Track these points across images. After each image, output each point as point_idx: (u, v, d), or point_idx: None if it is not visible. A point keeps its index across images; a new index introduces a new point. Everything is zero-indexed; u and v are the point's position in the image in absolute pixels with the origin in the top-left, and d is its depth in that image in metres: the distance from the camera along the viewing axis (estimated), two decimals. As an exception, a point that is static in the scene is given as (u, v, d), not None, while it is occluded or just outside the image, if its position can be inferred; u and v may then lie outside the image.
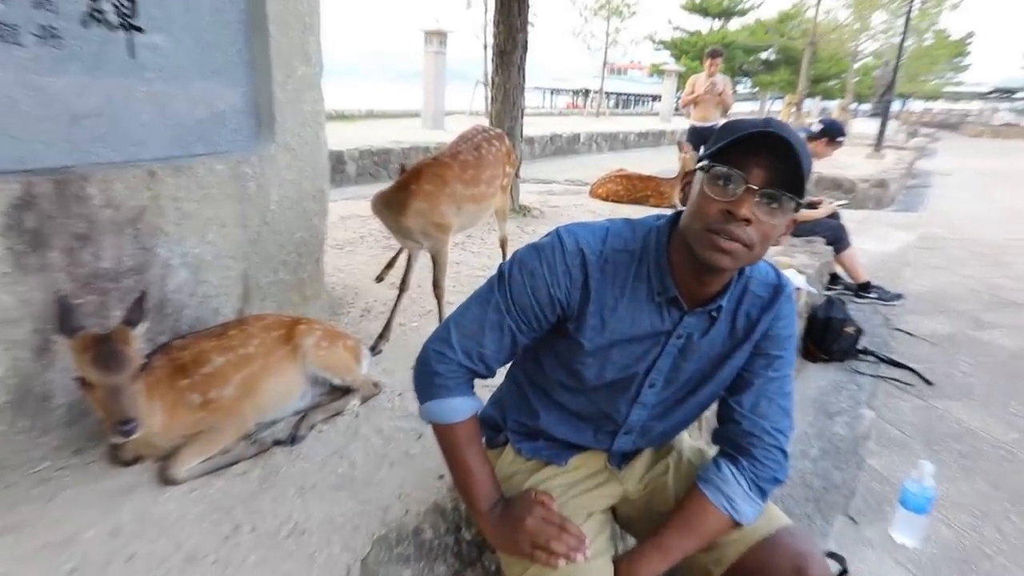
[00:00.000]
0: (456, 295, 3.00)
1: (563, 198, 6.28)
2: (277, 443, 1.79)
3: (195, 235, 1.97)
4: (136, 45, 1.81)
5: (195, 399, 1.66)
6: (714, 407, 1.32)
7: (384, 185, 2.54)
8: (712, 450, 1.37)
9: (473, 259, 3.82)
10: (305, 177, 2.37)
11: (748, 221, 1.00)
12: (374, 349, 2.42)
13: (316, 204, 2.45)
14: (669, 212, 1.17)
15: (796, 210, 1.04)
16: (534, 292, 1.14)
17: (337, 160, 8.33)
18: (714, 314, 1.18)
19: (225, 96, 2.08)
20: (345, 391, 1.99)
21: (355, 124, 13.56)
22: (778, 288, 1.21)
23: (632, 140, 16.74)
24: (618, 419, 1.28)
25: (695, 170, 1.10)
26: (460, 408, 1.20)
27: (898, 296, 4.60)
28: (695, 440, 1.47)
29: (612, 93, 34.08)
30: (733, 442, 1.23)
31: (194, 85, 1.98)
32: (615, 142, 15.98)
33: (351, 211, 4.86)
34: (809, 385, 3.38)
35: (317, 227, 2.47)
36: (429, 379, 1.19)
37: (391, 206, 2.42)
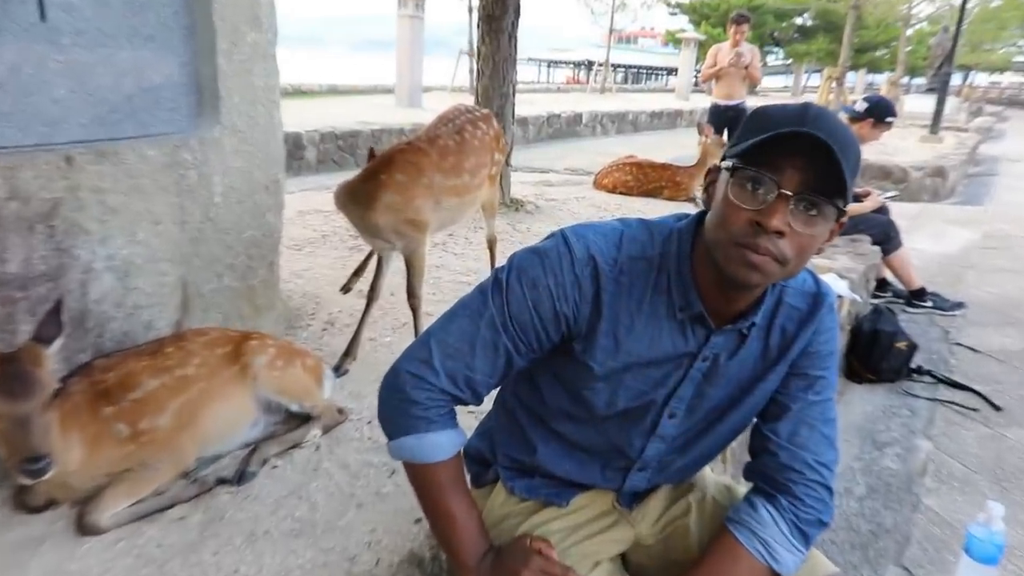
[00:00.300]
0: (435, 305, 3.00)
1: (562, 190, 6.31)
2: (222, 482, 1.78)
3: (123, 234, 1.96)
4: (47, 4, 1.80)
5: (122, 430, 1.65)
6: (744, 437, 1.32)
7: (350, 174, 2.55)
8: (743, 487, 1.37)
9: (456, 262, 3.83)
10: (256, 165, 2.37)
11: (781, 233, 1.00)
12: (339, 369, 2.42)
13: (269, 197, 2.45)
14: (688, 207, 1.17)
15: (839, 217, 1.04)
16: (536, 306, 1.13)
17: (295, 144, 8.34)
18: (745, 332, 1.18)
19: (159, 67, 2.08)
20: (304, 419, 1.99)
21: (316, 101, 13.56)
22: (818, 298, 1.22)
23: (643, 121, 16.83)
24: (631, 454, 1.28)
25: (719, 168, 1.10)
26: (443, 444, 1.19)
27: (959, 305, 4.64)
28: (720, 475, 1.46)
29: (620, 66, 34.32)
30: (769, 477, 1.23)
31: (120, 54, 1.98)
32: (623, 123, 16.07)
33: (311, 205, 4.87)
34: (854, 410, 3.39)
35: (271, 224, 2.48)
36: (404, 409, 1.17)
37: (357, 200, 2.43)
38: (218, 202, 2.24)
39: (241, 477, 1.79)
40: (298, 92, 15.43)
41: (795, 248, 1.02)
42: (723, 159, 1.08)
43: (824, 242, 1.08)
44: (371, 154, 2.60)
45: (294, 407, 1.96)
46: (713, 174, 1.12)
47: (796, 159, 0.99)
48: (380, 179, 2.42)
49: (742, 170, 1.02)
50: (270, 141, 2.39)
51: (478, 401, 1.22)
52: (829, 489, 1.22)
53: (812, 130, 0.97)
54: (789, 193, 0.99)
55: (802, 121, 0.99)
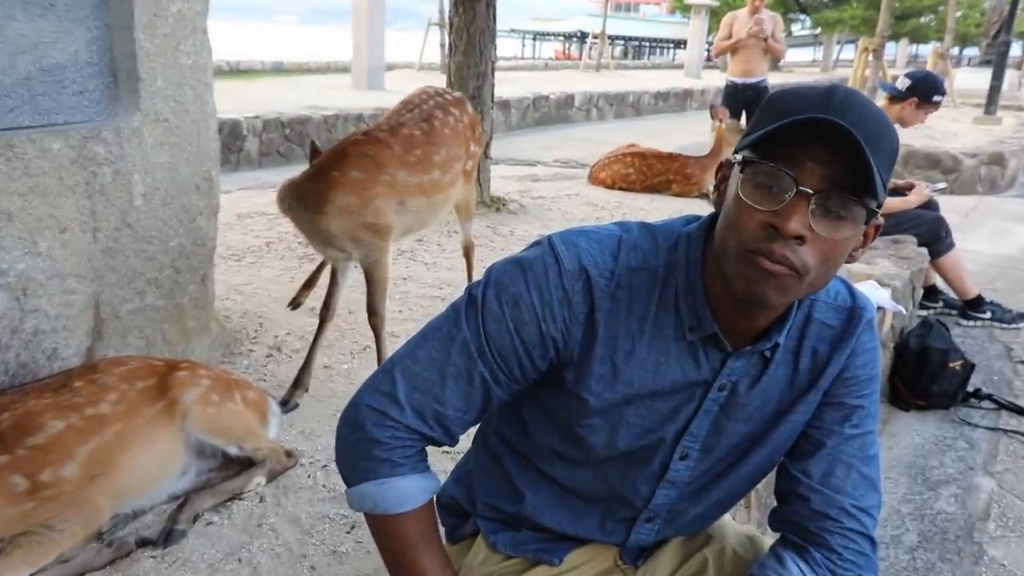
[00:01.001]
0: (402, 324, 3.01)
1: (552, 185, 6.34)
2: (144, 544, 1.76)
3: (20, 244, 1.94)
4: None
5: (18, 483, 1.62)
6: (771, 478, 1.32)
7: (299, 170, 2.54)
8: (769, 537, 1.37)
9: (427, 273, 3.83)
10: (184, 160, 2.35)
11: (801, 238, 1.01)
12: (287, 403, 2.42)
13: (201, 197, 2.44)
14: (700, 205, 1.18)
15: (871, 219, 1.05)
16: (518, 328, 1.14)
17: (232, 134, 8.33)
18: (768, 354, 1.19)
19: (63, 43, 2.06)
20: (245, 465, 1.97)
21: (259, 83, 13.57)
22: (854, 313, 1.22)
23: (647, 103, 16.96)
24: (636, 502, 1.28)
25: (730, 163, 1.11)
26: (411, 492, 1.19)
27: (1022, 316, 4.69)
28: (742, 524, 1.46)
29: (618, 38, 34.56)
30: (799, 527, 1.23)
31: (12, 27, 1.96)
32: (623, 106, 16.19)
33: (253, 206, 4.87)
34: (900, 442, 3.41)
35: (203, 230, 2.47)
36: (364, 451, 1.18)
37: (305, 202, 2.43)
38: (138, 205, 2.23)
39: (168, 537, 1.77)
40: (236, 72, 15.44)
41: (818, 256, 1.03)
42: (735, 152, 1.09)
43: (856, 249, 1.09)
44: (313, 150, 2.60)
45: (233, 450, 1.94)
46: (724, 170, 1.13)
47: (818, 151, 1.00)
48: (332, 177, 2.42)
49: (754, 164, 1.03)
50: (201, 131, 2.39)
51: (452, 441, 1.22)
52: (871, 540, 1.22)
53: (836, 118, 0.97)
54: (810, 191, 1.00)
55: (826, 106, 0.99)
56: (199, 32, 2.34)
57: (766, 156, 1.02)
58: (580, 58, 25.80)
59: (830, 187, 1.00)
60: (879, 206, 1.04)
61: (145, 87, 2.21)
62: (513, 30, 34.98)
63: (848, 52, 32.81)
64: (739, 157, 1.06)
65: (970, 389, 3.75)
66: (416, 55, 17.27)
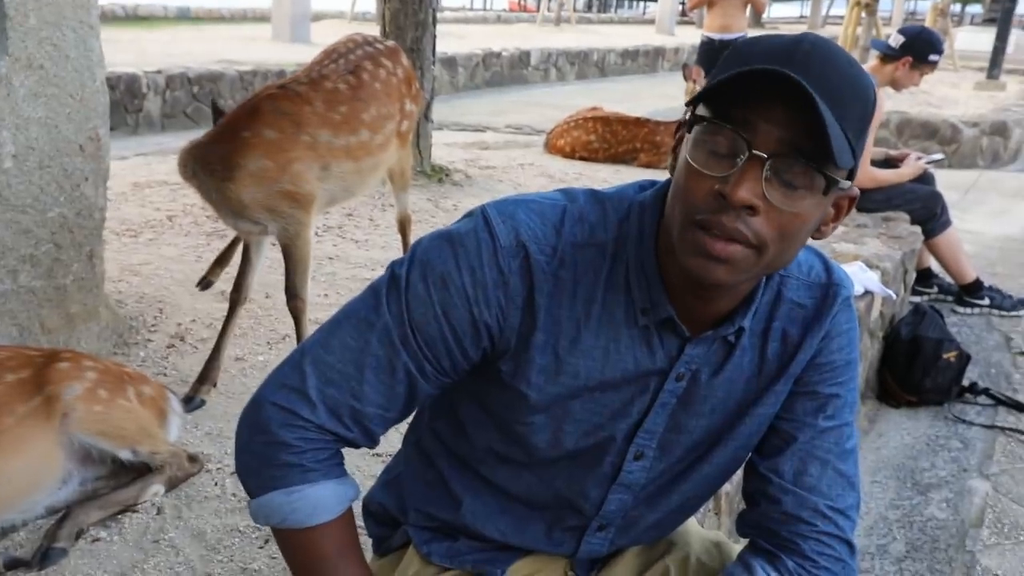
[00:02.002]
0: (328, 311, 2.98)
1: (503, 154, 6.34)
2: (16, 565, 1.72)
3: None
4: None
5: None
6: (738, 477, 1.34)
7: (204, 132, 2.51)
8: (738, 544, 1.38)
9: (357, 252, 3.81)
10: (65, 115, 2.31)
11: (752, 209, 1.00)
12: (191, 400, 2.39)
13: (86, 161, 2.40)
14: (666, 175, 1.17)
15: (831, 188, 1.03)
16: (447, 313, 1.13)
17: (129, 90, 8.19)
18: (731, 340, 1.20)
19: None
20: (141, 471, 1.95)
21: (162, 32, 13.33)
22: (829, 290, 1.23)
23: (612, 63, 17.05)
24: (586, 508, 1.28)
25: (684, 124, 1.10)
26: (325, 501, 1.18)
27: (1023, 303, 4.83)
28: (709, 530, 1.48)
29: (582, -12, 34.64)
30: (770, 531, 1.25)
31: None
32: (586, 65, 16.25)
33: (154, 175, 4.81)
34: (889, 443, 3.49)
35: (89, 200, 2.43)
36: (269, 456, 1.17)
37: (210, 167, 2.39)
38: (8, 167, 2.19)
39: (44, 557, 1.73)
40: (134, 18, 15.12)
41: (774, 229, 1.02)
42: (687, 105, 1.08)
43: (825, 224, 1.09)
44: (216, 110, 2.55)
45: (125, 455, 1.91)
46: (682, 130, 1.11)
47: (775, 111, 0.99)
48: (242, 138, 2.39)
49: (705, 123, 1.02)
50: (85, 81, 2.35)
51: (371, 442, 1.21)
52: (849, 544, 1.24)
53: (795, 71, 0.96)
54: (763, 155, 0.99)
55: (788, 58, 0.98)
56: (81, -37, 2.30)
57: (718, 115, 1.01)
58: (538, 10, 25.77)
59: (786, 151, 0.99)
60: (851, 175, 1.04)
61: (14, 26, 2.16)
62: (461, -24, 34.81)
63: (839, 7, 33.30)
64: (689, 114, 1.05)
65: (965, 383, 3.84)
66: (347, 2, 17.10)
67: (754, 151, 0.99)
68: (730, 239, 1.01)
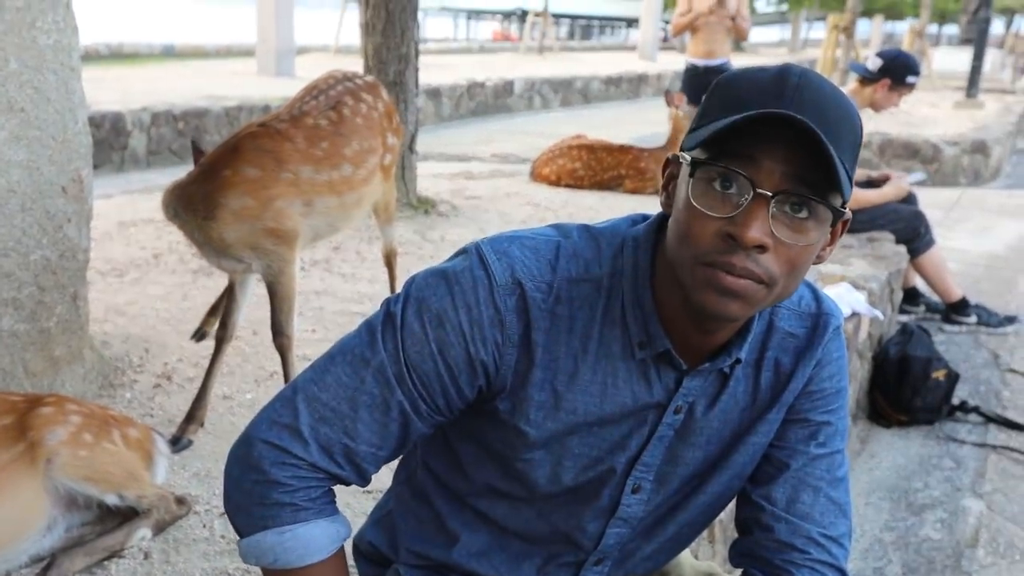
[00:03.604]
0: (317, 346, 2.97)
1: (489, 184, 6.35)
2: (1, 615, 1.71)
3: None
4: None
5: None
6: (732, 505, 1.33)
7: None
8: (731, 574, 1.38)
9: (344, 286, 3.80)
10: (47, 157, 2.31)
11: (762, 247, 1.02)
12: (178, 441, 2.37)
13: (69, 202, 2.39)
14: (658, 205, 1.17)
15: (837, 218, 1.06)
16: (443, 351, 1.13)
17: (115, 129, 8.17)
18: (727, 370, 1.20)
19: None
20: (127, 516, 1.92)
21: (146, 69, 13.34)
22: (819, 320, 1.25)
23: (596, 90, 17.15)
24: (584, 543, 1.28)
25: (677, 159, 1.11)
26: (317, 541, 1.18)
27: (1010, 320, 4.85)
28: (704, 560, 1.48)
29: (563, 16, 34.97)
30: (763, 560, 1.25)
31: None
32: (570, 93, 16.34)
33: (140, 213, 4.79)
34: (882, 464, 3.49)
35: (72, 241, 2.42)
36: (261, 494, 1.16)
37: (192, 207, 2.39)
38: (-10, 211, 2.19)
39: (31, 605, 1.72)
40: (119, 56, 15.15)
41: (783, 265, 1.04)
42: (682, 149, 1.09)
43: (824, 250, 1.11)
44: (196, 151, 2.54)
45: (111, 499, 1.89)
46: (672, 167, 1.13)
47: (774, 147, 1.01)
48: (223, 177, 2.38)
49: (705, 165, 1.03)
50: (67, 123, 2.35)
51: (363, 481, 1.21)
52: (841, 572, 1.24)
53: (791, 108, 0.98)
54: (768, 193, 1.01)
55: (779, 93, 1.00)
56: (61, 6, 2.30)
57: (717, 155, 1.02)
58: (520, 39, 25.99)
59: (791, 187, 1.01)
60: (845, 203, 1.06)
61: (-5, 71, 2.17)
62: (445, 8, 35.12)
63: (818, 31, 33.68)
64: (687, 157, 1.06)
65: (955, 402, 3.86)
66: (332, 36, 17.18)
67: (759, 190, 1.00)
68: (742, 277, 1.02)
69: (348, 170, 2.68)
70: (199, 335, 3.01)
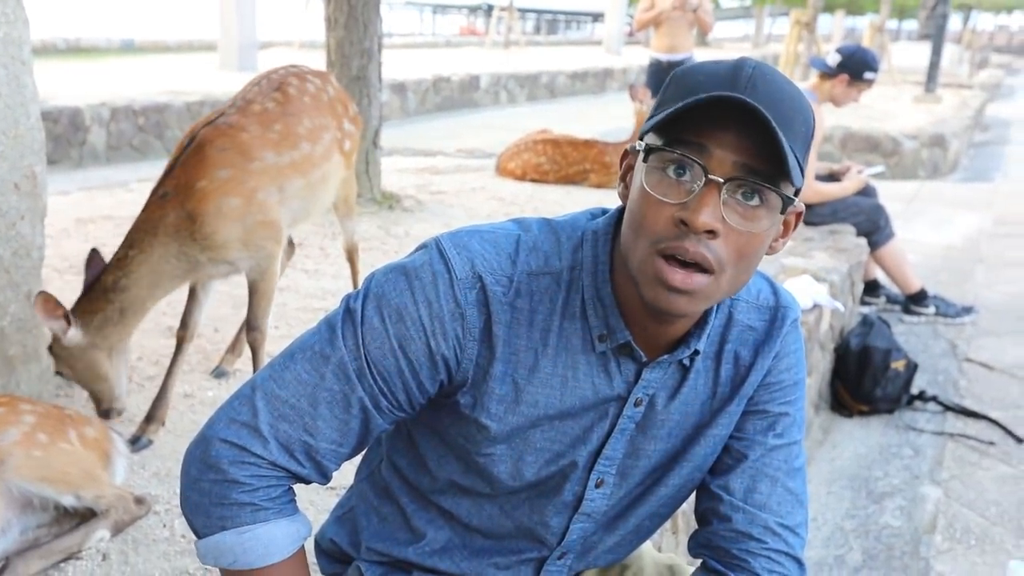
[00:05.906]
0: (279, 343, 2.96)
1: (454, 178, 6.34)
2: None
3: None
4: None
5: None
6: (693, 497, 1.35)
7: (157, 164, 2.47)
8: (692, 566, 1.39)
9: (307, 282, 3.78)
10: (-1, 153, 2.27)
11: (713, 232, 1.03)
12: (137, 440, 2.36)
13: (22, 199, 2.36)
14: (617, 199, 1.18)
15: (787, 206, 1.07)
16: (404, 346, 1.13)
17: (73, 124, 8.06)
18: (687, 363, 1.21)
19: None
20: (85, 516, 1.90)
21: (105, 63, 13.16)
22: (777, 313, 1.26)
23: (562, 84, 17.19)
24: (547, 539, 1.28)
25: (633, 150, 1.12)
26: (277, 540, 1.17)
27: (967, 310, 4.94)
28: (667, 551, 1.49)
29: (529, 11, 34.99)
30: (721, 550, 1.26)
31: None
32: (535, 87, 16.37)
33: (98, 209, 4.73)
34: (843, 453, 3.54)
35: (26, 238, 2.39)
36: (219, 494, 1.15)
37: (180, 232, 2.33)
38: (-58, 209, 2.15)
39: (-15, 610, 1.70)
40: (76, 50, 14.92)
41: (733, 252, 1.05)
42: (639, 137, 1.10)
43: (776, 240, 1.12)
44: (91, 261, 2.43)
45: (68, 500, 1.87)
46: (629, 157, 1.14)
47: (726, 135, 1.02)
48: (200, 189, 2.34)
49: (658, 151, 1.04)
50: (19, 119, 2.31)
51: (324, 479, 1.20)
52: (798, 561, 1.26)
53: (744, 95, 1.00)
54: (719, 179, 1.02)
55: (733, 83, 1.02)
56: (11, -1, 2.26)
57: (671, 142, 1.04)
58: (486, 33, 25.95)
59: (742, 174, 1.02)
60: (797, 192, 1.07)
61: (-55, 66, 2.13)
62: (409, 2, 34.97)
63: (782, 26, 33.97)
64: (642, 144, 1.07)
65: (915, 391, 3.92)
66: (295, 31, 17.06)
67: (710, 176, 1.02)
68: (692, 267, 1.03)
69: (307, 148, 2.67)
70: (218, 372, 2.90)
